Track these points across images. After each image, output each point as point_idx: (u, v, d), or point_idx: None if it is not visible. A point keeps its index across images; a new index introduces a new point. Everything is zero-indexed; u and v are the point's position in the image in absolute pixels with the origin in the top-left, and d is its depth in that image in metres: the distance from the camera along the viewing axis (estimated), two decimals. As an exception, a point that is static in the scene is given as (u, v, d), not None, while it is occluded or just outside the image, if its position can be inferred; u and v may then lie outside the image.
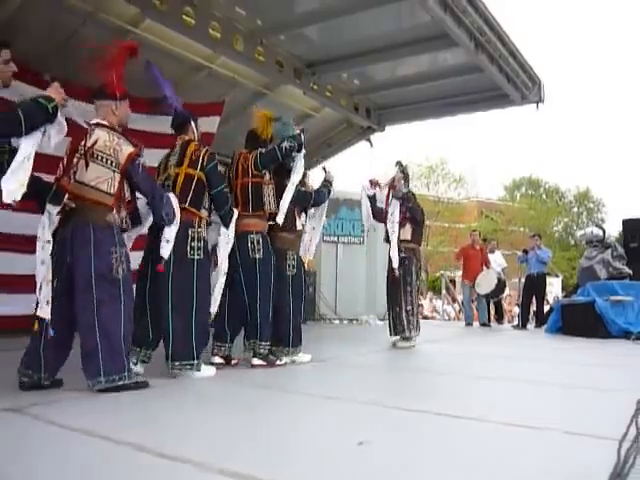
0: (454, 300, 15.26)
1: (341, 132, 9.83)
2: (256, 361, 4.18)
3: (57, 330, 2.98)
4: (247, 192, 4.24)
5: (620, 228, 10.12)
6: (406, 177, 6.09)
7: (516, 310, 12.35)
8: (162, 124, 5.36)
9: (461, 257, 10.51)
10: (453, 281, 17.22)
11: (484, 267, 9.93)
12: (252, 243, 4.16)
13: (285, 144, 4.23)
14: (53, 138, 2.91)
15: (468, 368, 4.76)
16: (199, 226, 3.73)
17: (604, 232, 9.42)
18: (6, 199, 2.67)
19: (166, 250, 3.51)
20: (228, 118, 7.42)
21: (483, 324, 10.03)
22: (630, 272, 8.54)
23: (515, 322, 10.49)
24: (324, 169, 5.13)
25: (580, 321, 7.88)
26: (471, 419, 2.63)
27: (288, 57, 7.41)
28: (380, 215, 6.07)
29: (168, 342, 3.59)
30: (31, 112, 2.77)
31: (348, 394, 3.26)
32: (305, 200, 4.68)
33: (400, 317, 5.91)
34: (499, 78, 7.54)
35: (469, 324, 10.20)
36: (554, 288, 22.81)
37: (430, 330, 7.83)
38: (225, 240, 3.95)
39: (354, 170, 9.96)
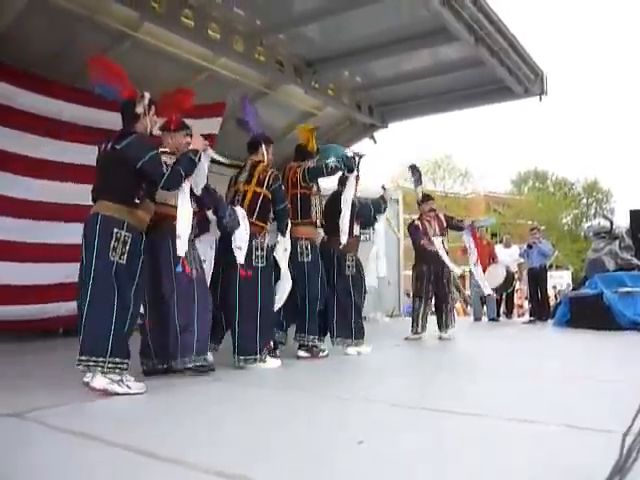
0: (464, 298, 15.18)
1: (344, 130, 9.80)
2: (302, 353, 4.70)
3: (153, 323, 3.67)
4: (297, 202, 4.73)
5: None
6: (419, 178, 6.75)
7: (526, 305, 12.27)
8: None
9: (466, 252, 10.44)
10: (462, 277, 17.15)
11: (491, 261, 9.87)
12: (301, 248, 4.67)
13: (332, 163, 4.76)
14: (200, 180, 3.68)
15: (473, 363, 4.76)
16: (262, 237, 4.26)
17: (612, 223, 9.35)
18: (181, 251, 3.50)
19: (240, 255, 4.03)
20: (230, 119, 7.41)
21: (492, 319, 9.97)
22: (639, 263, 8.47)
23: (525, 318, 10.43)
24: (383, 187, 5.66)
25: (588, 314, 7.80)
26: (474, 415, 2.62)
27: (288, 56, 7.40)
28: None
29: (235, 339, 4.10)
30: (186, 167, 3.47)
31: (366, 393, 3.25)
32: (363, 215, 5.28)
33: (447, 313, 6.51)
34: (500, 71, 7.49)
35: (477, 319, 10.15)
36: (564, 281, 22.72)
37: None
38: (283, 248, 4.43)
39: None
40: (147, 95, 3.48)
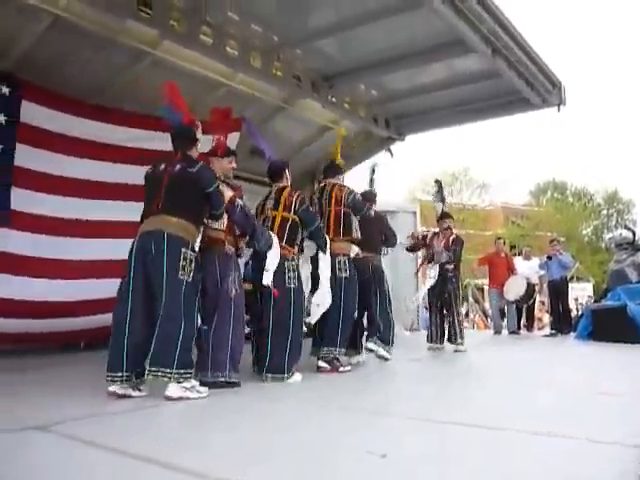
0: (483, 311, 15.06)
1: (361, 143, 9.79)
2: (322, 364, 4.78)
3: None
4: (339, 220, 4.94)
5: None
6: (442, 195, 7.25)
7: (546, 318, 12.13)
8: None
9: (484, 263, 10.40)
10: (481, 289, 17.03)
11: (511, 274, 9.79)
12: (339, 264, 4.83)
13: (370, 213, 5.15)
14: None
15: (494, 375, 4.71)
16: (293, 260, 4.44)
17: (634, 234, 9.22)
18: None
19: (266, 278, 4.20)
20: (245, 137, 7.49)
21: (512, 332, 9.86)
22: (662, 275, 8.34)
23: (546, 331, 10.32)
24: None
25: (611, 326, 7.68)
26: (496, 428, 2.59)
27: (305, 71, 7.45)
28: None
29: (265, 356, 4.23)
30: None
31: (390, 407, 3.23)
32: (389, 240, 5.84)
33: (454, 325, 6.76)
34: (518, 82, 7.47)
35: (497, 332, 10.04)
36: (585, 293, 22.42)
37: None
38: (325, 264, 4.67)
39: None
40: (200, 125, 3.87)
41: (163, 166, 3.66)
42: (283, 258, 4.32)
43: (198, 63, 6.69)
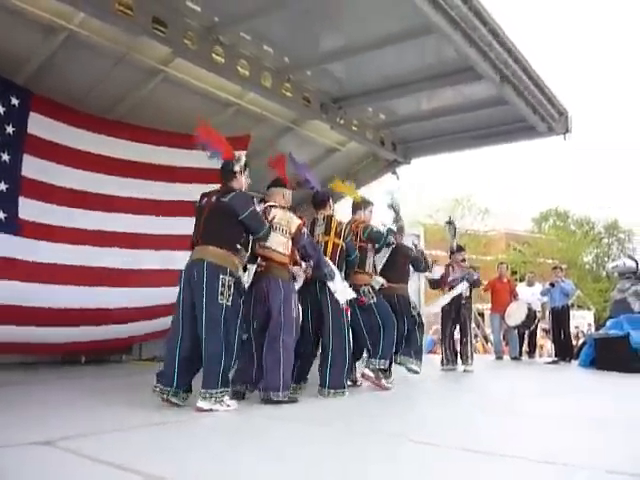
0: (484, 336, 14.97)
1: (367, 165, 9.87)
2: (367, 371, 5.04)
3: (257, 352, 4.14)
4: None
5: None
6: (455, 232, 7.88)
7: (548, 345, 12.06)
8: (200, 159, 5.67)
9: (488, 289, 10.38)
10: (481, 314, 16.95)
11: (513, 299, 9.77)
12: (364, 293, 5.09)
13: (390, 239, 5.33)
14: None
15: (498, 403, 4.67)
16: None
17: (637, 264, 9.23)
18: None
19: (341, 297, 4.54)
20: (257, 154, 7.51)
21: (514, 357, 9.80)
22: (666, 305, 8.32)
23: (547, 358, 10.24)
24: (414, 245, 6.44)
25: (614, 355, 7.65)
26: (505, 456, 2.56)
27: (315, 92, 7.52)
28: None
29: (326, 373, 4.49)
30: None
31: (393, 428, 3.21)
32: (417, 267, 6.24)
33: (466, 347, 7.38)
34: (525, 110, 7.53)
35: (499, 357, 9.97)
36: (586, 321, 22.31)
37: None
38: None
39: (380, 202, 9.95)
40: (243, 157, 4.10)
41: (206, 199, 3.98)
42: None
43: (209, 81, 6.79)
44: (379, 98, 7.77)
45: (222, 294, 3.67)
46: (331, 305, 4.57)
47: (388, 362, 5.22)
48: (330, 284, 4.52)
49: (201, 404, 3.57)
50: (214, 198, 3.92)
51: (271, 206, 4.33)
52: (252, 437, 3.00)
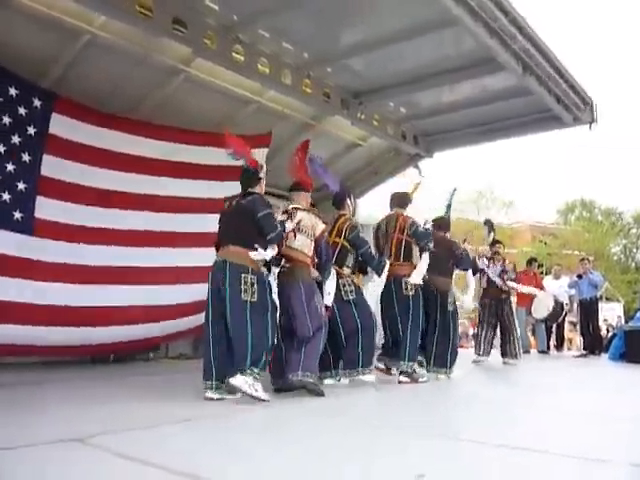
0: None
1: (389, 160, 9.79)
2: (402, 378, 5.17)
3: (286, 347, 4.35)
4: (400, 247, 5.33)
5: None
6: (491, 229, 8.11)
7: (577, 339, 11.89)
8: (214, 156, 5.64)
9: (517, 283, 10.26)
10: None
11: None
12: (405, 284, 5.22)
13: (430, 245, 5.30)
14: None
15: (526, 397, 4.62)
16: (346, 277, 5.00)
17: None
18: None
19: (328, 300, 4.71)
20: (277, 150, 7.53)
21: (542, 351, 9.69)
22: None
23: (575, 351, 10.10)
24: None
25: (645, 348, 7.53)
26: (532, 450, 2.53)
27: (335, 88, 7.50)
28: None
29: (358, 354, 4.79)
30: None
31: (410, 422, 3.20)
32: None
33: (513, 344, 7.48)
34: (549, 100, 7.40)
35: (526, 351, 9.85)
36: (615, 313, 21.92)
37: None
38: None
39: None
40: (264, 164, 4.41)
41: (228, 202, 4.24)
42: (337, 276, 4.87)
43: (229, 80, 6.80)
44: (400, 92, 7.70)
45: (245, 292, 3.88)
46: (335, 300, 4.81)
47: (417, 358, 5.31)
48: (326, 284, 4.74)
49: (232, 381, 3.73)
50: (235, 202, 4.19)
51: (296, 208, 4.51)
52: (287, 434, 3.01)
